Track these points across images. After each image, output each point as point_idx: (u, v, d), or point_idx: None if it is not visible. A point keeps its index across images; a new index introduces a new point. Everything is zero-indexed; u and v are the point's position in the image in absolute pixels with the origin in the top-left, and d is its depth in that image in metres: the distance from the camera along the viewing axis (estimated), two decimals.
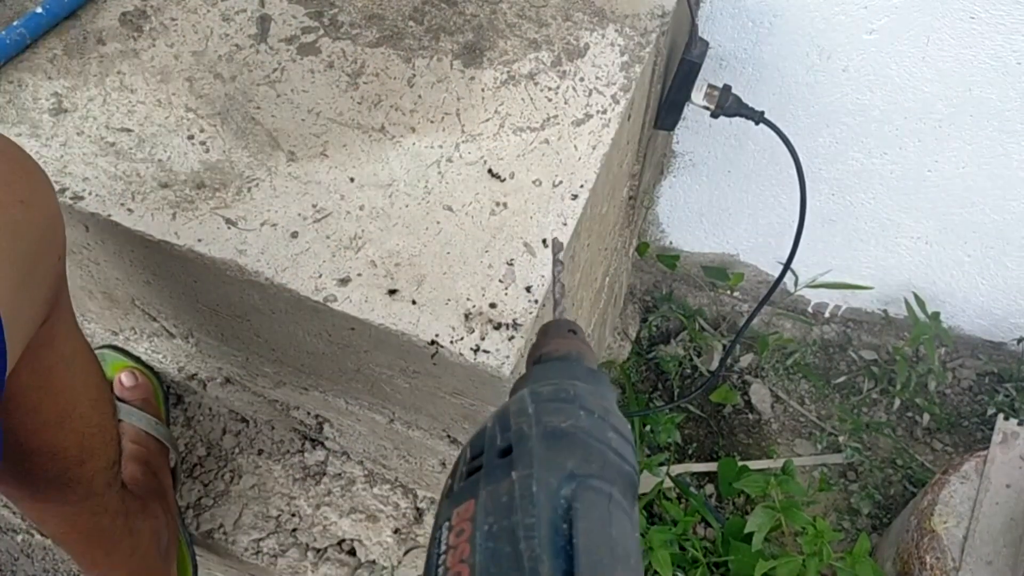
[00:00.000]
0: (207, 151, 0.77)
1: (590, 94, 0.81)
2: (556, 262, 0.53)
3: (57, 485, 0.70)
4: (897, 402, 1.41)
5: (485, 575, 0.30)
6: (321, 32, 0.85)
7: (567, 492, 0.33)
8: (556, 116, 0.79)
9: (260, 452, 1.00)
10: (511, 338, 0.66)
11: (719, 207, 1.35)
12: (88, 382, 0.70)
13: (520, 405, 0.37)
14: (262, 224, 0.73)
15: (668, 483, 1.30)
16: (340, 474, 0.99)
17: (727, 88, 1.00)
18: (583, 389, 0.38)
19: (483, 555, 0.31)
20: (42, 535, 1.11)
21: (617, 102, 0.80)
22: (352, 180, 0.75)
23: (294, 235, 0.72)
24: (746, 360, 1.49)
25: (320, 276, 0.70)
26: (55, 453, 0.67)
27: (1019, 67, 0.98)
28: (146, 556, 0.83)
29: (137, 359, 0.99)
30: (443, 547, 0.33)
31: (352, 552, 0.97)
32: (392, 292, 0.69)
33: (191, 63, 0.83)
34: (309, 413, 0.96)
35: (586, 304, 1.03)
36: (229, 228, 0.72)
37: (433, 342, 0.66)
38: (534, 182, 0.74)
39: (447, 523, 0.34)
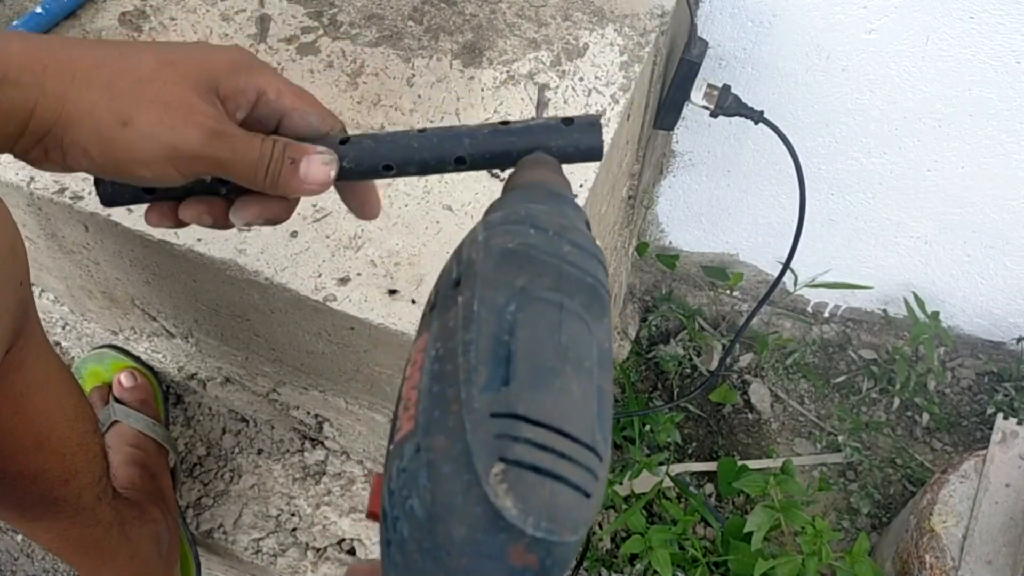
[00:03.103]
0: None
1: (589, 94, 0.81)
2: (542, 89, 0.48)
3: (43, 505, 0.69)
4: (897, 402, 1.42)
5: (428, 395, 0.31)
6: (320, 32, 0.85)
7: (514, 308, 0.32)
8: (555, 115, 0.79)
9: (260, 452, 1.00)
10: None
11: (719, 207, 1.35)
12: (64, 403, 0.68)
13: (472, 236, 0.36)
14: None
15: (668, 483, 1.30)
16: (340, 474, 0.99)
17: (726, 88, 1.00)
18: (536, 209, 0.36)
19: (428, 377, 0.31)
20: None
21: (616, 102, 0.80)
22: None
23: (294, 235, 0.72)
24: (746, 360, 1.49)
25: (320, 276, 0.70)
26: (36, 476, 0.66)
27: (1018, 67, 0.98)
28: (147, 561, 0.83)
29: (137, 359, 0.99)
30: (403, 381, 0.33)
31: (352, 552, 0.97)
32: (392, 292, 0.69)
33: None
34: (309, 413, 0.96)
35: None
36: None
37: None
38: None
39: (408, 360, 0.34)
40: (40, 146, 0.43)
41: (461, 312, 0.32)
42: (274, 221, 0.49)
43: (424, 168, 0.47)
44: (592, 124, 0.46)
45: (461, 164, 0.47)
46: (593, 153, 0.46)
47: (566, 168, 0.45)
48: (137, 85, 0.42)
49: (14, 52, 0.41)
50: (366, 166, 0.47)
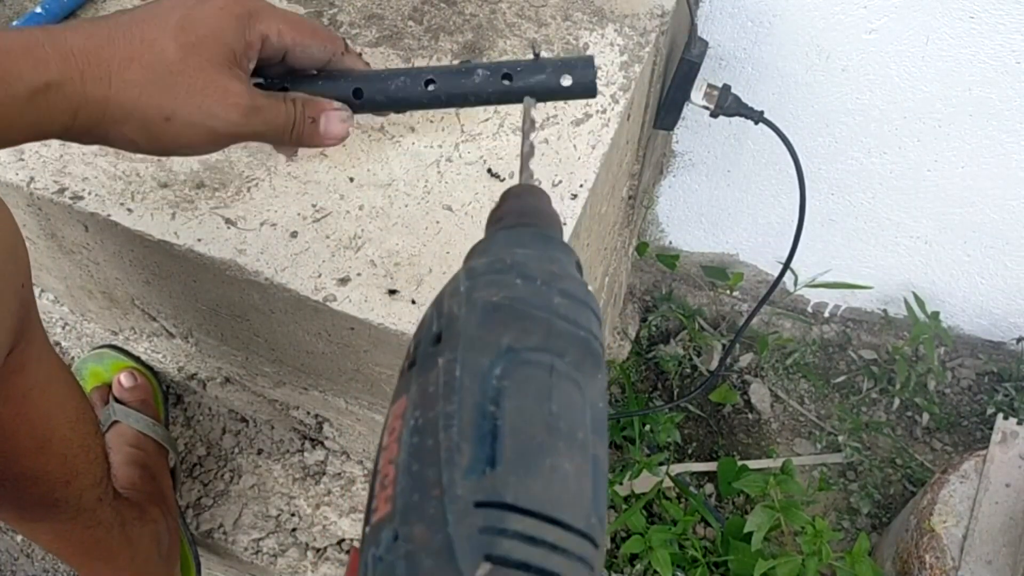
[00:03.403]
0: None
1: None
2: (527, 117, 0.48)
3: (44, 506, 0.69)
4: (897, 402, 1.41)
5: (407, 474, 0.28)
6: None
7: (499, 372, 0.29)
8: (555, 115, 0.79)
9: (260, 452, 1.00)
10: None
11: (719, 207, 1.35)
12: (66, 404, 0.68)
13: (454, 285, 0.33)
14: (262, 224, 0.73)
15: (668, 483, 1.30)
16: (340, 474, 0.99)
17: (726, 88, 1.00)
18: (524, 256, 0.34)
19: (406, 452, 0.28)
20: None
21: (616, 102, 0.80)
22: (351, 180, 0.75)
23: (294, 235, 0.72)
24: (746, 360, 1.49)
25: (320, 276, 0.70)
26: (38, 477, 0.66)
27: (1018, 67, 0.98)
28: (147, 562, 0.83)
29: (136, 359, 0.99)
30: (380, 450, 0.30)
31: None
32: (392, 292, 0.69)
33: None
34: (309, 413, 0.96)
35: None
36: (229, 228, 0.72)
37: None
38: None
39: (385, 425, 0.31)
40: (85, 137, 0.46)
41: (442, 377, 0.29)
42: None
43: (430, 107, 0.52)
44: (587, 61, 0.51)
45: (466, 104, 0.52)
46: (589, 91, 0.52)
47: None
48: (169, 77, 0.45)
49: (51, 60, 0.42)
50: (381, 108, 0.53)
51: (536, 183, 0.44)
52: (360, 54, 0.54)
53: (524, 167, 0.45)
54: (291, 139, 0.50)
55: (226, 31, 0.46)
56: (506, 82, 0.50)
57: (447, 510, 0.26)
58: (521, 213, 0.39)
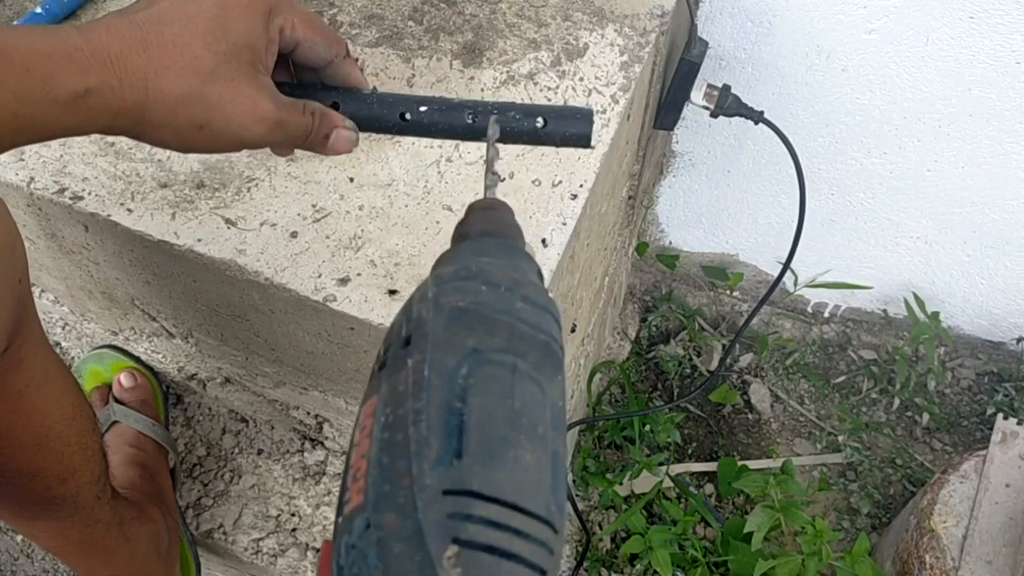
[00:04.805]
0: None
1: (589, 94, 0.81)
2: (490, 151, 0.50)
3: (41, 503, 0.69)
4: (897, 402, 1.42)
5: (377, 467, 0.30)
6: None
7: (465, 371, 0.31)
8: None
9: (260, 452, 1.00)
10: None
11: (719, 207, 1.35)
12: (63, 401, 0.68)
13: (422, 291, 0.35)
14: (261, 224, 0.73)
15: (668, 483, 1.30)
16: (340, 474, 0.99)
17: (726, 88, 1.00)
18: (488, 264, 0.36)
19: (377, 447, 0.30)
20: None
21: (616, 102, 0.80)
22: (351, 180, 0.75)
23: (294, 235, 0.72)
24: (746, 360, 1.49)
25: (320, 276, 0.70)
26: (35, 474, 0.66)
27: (1018, 67, 0.98)
28: (146, 561, 0.83)
29: (136, 359, 0.99)
30: (352, 447, 0.32)
31: None
32: (392, 292, 0.69)
33: None
34: (309, 413, 0.96)
35: (585, 304, 1.03)
36: (229, 228, 0.72)
37: None
38: (533, 182, 0.74)
39: (356, 423, 0.33)
40: (122, 135, 0.48)
41: (411, 377, 0.31)
42: None
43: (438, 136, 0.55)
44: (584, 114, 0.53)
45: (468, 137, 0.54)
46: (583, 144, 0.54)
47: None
48: (202, 87, 0.47)
49: (91, 66, 0.44)
50: (387, 131, 0.55)
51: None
52: (357, 60, 0.57)
53: (488, 183, 0.47)
54: (304, 145, 0.53)
55: (253, 34, 0.48)
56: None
57: (416, 498, 0.28)
58: (485, 224, 0.41)
